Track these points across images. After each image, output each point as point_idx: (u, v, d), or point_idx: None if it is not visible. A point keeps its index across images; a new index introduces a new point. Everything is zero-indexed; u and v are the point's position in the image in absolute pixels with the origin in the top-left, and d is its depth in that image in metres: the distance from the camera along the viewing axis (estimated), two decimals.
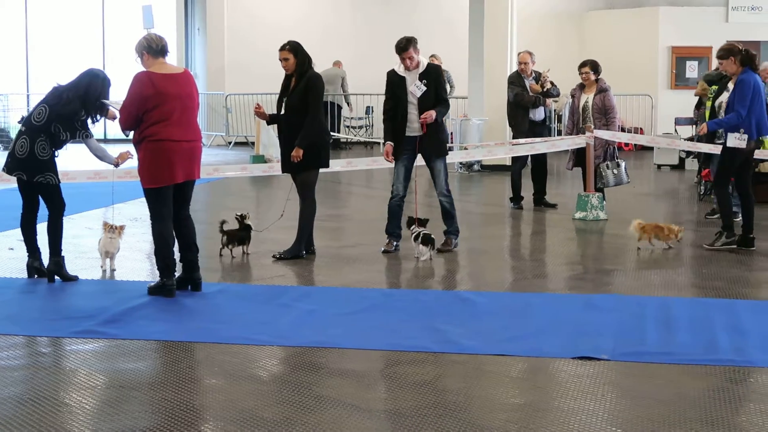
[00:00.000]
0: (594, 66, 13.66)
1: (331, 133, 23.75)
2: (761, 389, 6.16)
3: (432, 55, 24.30)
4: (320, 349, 6.99)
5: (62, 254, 9.24)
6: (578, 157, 13.80)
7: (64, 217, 9.31)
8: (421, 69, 10.64)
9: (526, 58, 14.59)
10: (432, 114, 10.58)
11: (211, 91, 26.73)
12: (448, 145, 10.97)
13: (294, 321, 7.75)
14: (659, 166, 18.81)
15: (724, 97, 13.15)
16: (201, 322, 7.69)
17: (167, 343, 7.15)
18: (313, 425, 5.44)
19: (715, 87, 15.45)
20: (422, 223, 10.60)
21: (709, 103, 15.47)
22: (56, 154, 9.23)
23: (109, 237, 9.61)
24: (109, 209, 13.54)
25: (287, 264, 10.11)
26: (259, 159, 19.35)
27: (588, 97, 13.66)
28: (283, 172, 10.64)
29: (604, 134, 13.28)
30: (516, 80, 14.60)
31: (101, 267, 9.69)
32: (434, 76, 10.66)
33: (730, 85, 13.04)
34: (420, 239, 10.39)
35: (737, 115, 10.61)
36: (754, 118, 10.68)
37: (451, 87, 24.35)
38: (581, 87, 13.77)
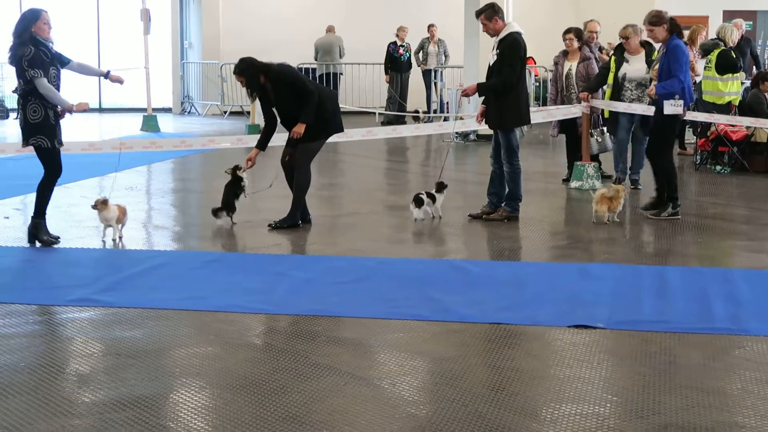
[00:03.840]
0: (578, 33, 13.62)
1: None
2: (757, 357, 6.17)
3: (430, 25, 24.26)
4: (316, 317, 7.00)
5: (45, 217, 9.32)
6: (563, 123, 13.79)
7: (57, 184, 9.33)
8: (500, 37, 10.57)
9: (596, 27, 14.38)
10: (465, 88, 10.92)
11: (206, 60, 26.62)
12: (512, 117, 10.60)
13: (290, 289, 7.76)
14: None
15: (626, 68, 13.10)
16: (197, 291, 7.69)
17: (163, 311, 7.15)
18: (310, 393, 5.45)
19: (712, 56, 15.45)
20: (439, 187, 10.83)
21: (708, 71, 15.49)
22: (52, 115, 9.18)
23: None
24: (106, 178, 13.57)
25: (283, 233, 10.10)
26: (255, 129, 19.27)
27: (571, 65, 13.64)
28: (302, 142, 10.46)
29: (600, 103, 13.25)
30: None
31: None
32: (502, 47, 10.51)
33: (628, 56, 13.04)
34: (414, 200, 10.70)
35: (678, 81, 10.59)
36: (686, 85, 10.73)
37: (446, 57, 24.27)
38: (565, 54, 13.73)
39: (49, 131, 9.16)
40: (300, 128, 10.14)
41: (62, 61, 9.41)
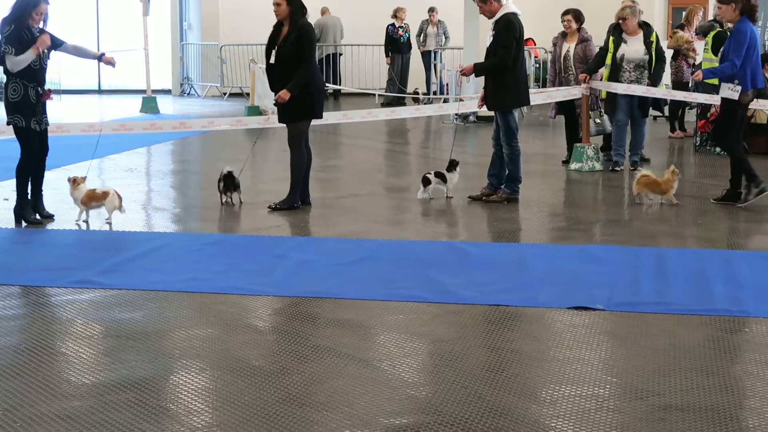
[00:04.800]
0: (577, 15, 13.57)
1: (329, 85, 23.68)
2: (756, 339, 6.18)
3: (430, 10, 24.15)
4: (316, 299, 7.01)
5: (28, 197, 9.48)
6: (561, 105, 13.78)
7: (52, 166, 9.42)
8: (495, 19, 10.54)
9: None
10: (463, 67, 10.89)
11: (206, 42, 26.56)
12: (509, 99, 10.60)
13: (290, 271, 7.75)
14: (655, 118, 18.78)
15: (624, 49, 13.05)
16: (197, 273, 7.69)
17: (163, 293, 7.15)
18: (310, 375, 5.46)
19: (708, 38, 15.40)
20: (450, 165, 10.93)
21: (706, 53, 15.44)
22: (33, 95, 9.28)
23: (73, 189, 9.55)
24: (106, 159, 13.56)
25: (283, 215, 10.10)
26: (254, 110, 19.24)
27: (570, 46, 13.60)
28: (279, 122, 10.54)
29: (600, 85, 13.23)
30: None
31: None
32: (497, 28, 10.52)
33: (626, 37, 12.99)
34: (422, 180, 10.90)
35: (731, 65, 10.26)
36: (749, 69, 10.34)
37: (446, 38, 24.20)
38: (563, 35, 13.70)
39: (26, 111, 9.26)
40: (285, 94, 10.07)
41: (55, 43, 9.45)
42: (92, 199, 9.47)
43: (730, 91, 10.39)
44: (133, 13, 23.23)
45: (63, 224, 9.49)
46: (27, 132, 9.32)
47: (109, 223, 9.49)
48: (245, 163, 10.84)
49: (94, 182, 10.39)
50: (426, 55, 24.16)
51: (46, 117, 9.52)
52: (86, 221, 9.49)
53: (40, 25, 9.35)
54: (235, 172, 10.47)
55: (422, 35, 24.22)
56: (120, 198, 9.53)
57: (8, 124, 9.39)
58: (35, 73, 9.29)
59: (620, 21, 13.00)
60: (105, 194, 9.51)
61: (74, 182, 9.45)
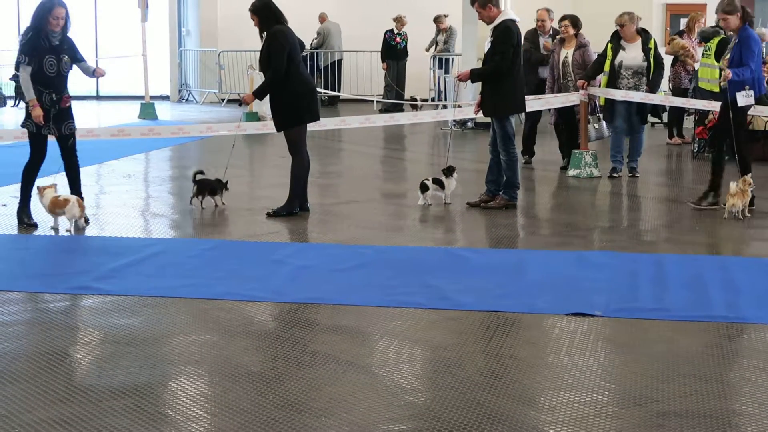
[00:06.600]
0: (574, 21, 13.60)
1: (327, 91, 23.70)
2: (754, 345, 6.18)
3: (438, 18, 24.06)
4: (314, 305, 7.00)
5: (28, 200, 9.62)
6: (560, 111, 13.80)
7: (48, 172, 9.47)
8: (493, 25, 10.58)
9: (544, 15, 14.47)
10: (460, 73, 11.09)
11: (204, 48, 26.56)
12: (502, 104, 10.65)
13: (288, 277, 7.75)
14: (653, 124, 18.80)
15: (622, 56, 13.08)
16: (195, 278, 7.69)
17: (161, 299, 7.15)
18: (308, 381, 5.46)
19: (712, 43, 15.40)
20: (447, 171, 10.97)
21: (707, 58, 15.46)
22: (47, 101, 9.36)
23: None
24: (104, 165, 13.55)
25: (281, 221, 10.10)
26: (253, 116, 19.23)
27: (567, 53, 13.62)
28: (277, 131, 10.54)
29: (598, 91, 13.23)
30: (530, 37, 14.45)
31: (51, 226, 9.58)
32: (495, 34, 10.55)
33: (624, 44, 13.02)
34: (420, 185, 10.92)
35: (750, 69, 10.29)
36: (757, 75, 10.42)
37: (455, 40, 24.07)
38: (561, 42, 13.72)
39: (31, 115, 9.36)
40: (248, 98, 10.68)
41: (76, 58, 9.59)
42: (56, 206, 9.40)
43: (746, 98, 10.38)
44: (132, 19, 23.22)
45: (60, 230, 9.48)
46: (36, 136, 9.42)
47: (69, 231, 9.36)
48: (226, 169, 10.85)
49: (91, 188, 10.37)
50: (434, 61, 24.14)
51: (72, 122, 9.61)
52: (55, 228, 9.44)
53: (60, 31, 9.39)
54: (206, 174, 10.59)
55: (434, 42, 24.16)
56: (82, 207, 9.46)
57: (22, 127, 9.56)
58: (51, 79, 9.36)
59: (618, 27, 13.03)
60: (66, 201, 9.40)
61: (41, 191, 9.48)
